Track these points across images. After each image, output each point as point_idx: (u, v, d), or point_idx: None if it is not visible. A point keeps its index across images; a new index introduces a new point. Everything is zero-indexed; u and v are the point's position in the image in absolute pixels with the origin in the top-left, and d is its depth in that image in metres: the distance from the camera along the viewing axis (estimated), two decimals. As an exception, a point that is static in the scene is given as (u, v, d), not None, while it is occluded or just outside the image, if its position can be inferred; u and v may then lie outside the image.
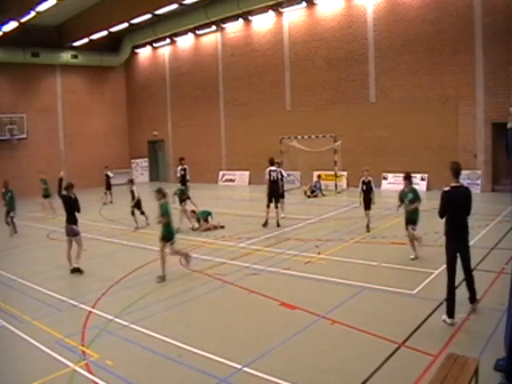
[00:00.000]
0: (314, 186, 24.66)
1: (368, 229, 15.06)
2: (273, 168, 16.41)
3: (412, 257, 11.91)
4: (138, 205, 18.66)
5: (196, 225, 17.29)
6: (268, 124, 29.86)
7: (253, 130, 30.80)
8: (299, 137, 26.46)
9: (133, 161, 38.44)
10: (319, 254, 12.91)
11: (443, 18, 22.82)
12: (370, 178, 15.01)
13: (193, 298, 10.15)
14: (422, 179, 23.83)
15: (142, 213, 18.68)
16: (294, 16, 28.35)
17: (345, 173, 25.72)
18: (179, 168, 18.94)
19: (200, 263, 12.79)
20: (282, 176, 17.37)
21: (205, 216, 17.24)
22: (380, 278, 10.56)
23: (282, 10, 28.58)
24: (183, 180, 18.72)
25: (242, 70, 31.32)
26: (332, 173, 25.68)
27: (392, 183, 24.70)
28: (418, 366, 6.80)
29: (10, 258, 14.90)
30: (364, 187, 15.04)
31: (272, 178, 16.37)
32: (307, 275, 11.13)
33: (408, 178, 12.29)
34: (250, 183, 31.12)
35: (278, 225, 16.07)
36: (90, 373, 7.26)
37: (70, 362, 7.59)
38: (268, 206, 16.45)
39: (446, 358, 6.02)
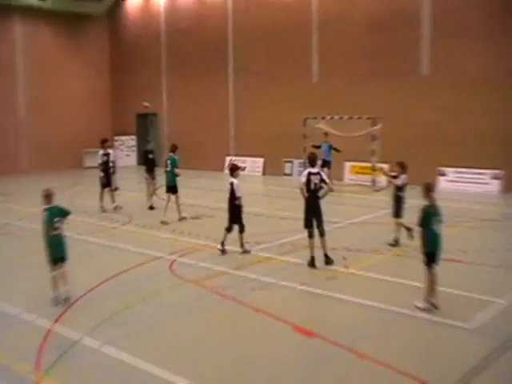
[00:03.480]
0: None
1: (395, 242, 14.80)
2: (313, 170, 13.33)
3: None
4: None
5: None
6: (289, 99, 29.70)
7: (269, 107, 30.65)
8: (328, 117, 26.24)
9: (117, 138, 38.47)
10: (347, 267, 12.78)
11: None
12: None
13: (184, 316, 10.05)
14: (495, 178, 23.49)
15: None
16: (328, -38, 28.17)
17: (385, 165, 25.48)
18: (101, 153, 20.81)
19: (195, 271, 12.76)
20: (323, 180, 13.56)
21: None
22: (425, 303, 10.36)
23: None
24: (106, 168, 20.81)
25: (258, 30, 31.13)
26: (369, 165, 25.45)
27: (453, 181, 24.36)
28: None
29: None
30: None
31: (313, 185, 13.35)
32: (330, 294, 11.00)
33: None
34: (264, 173, 30.98)
35: (328, 262, 13.32)
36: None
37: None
38: (310, 236, 13.31)
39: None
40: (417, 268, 12.51)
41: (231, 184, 14.25)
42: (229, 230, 14.43)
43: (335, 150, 25.06)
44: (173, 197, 18.78)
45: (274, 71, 30.54)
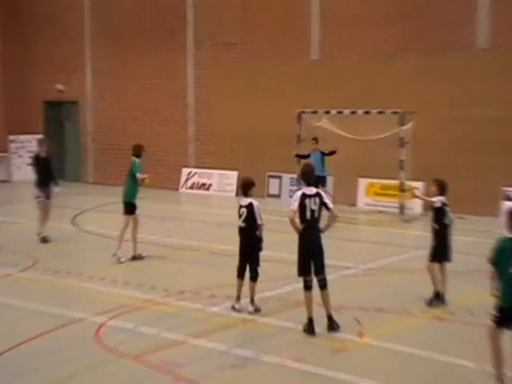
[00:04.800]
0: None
1: (441, 299, 14.82)
2: (309, 191, 13.22)
3: None
4: None
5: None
6: (276, 85, 29.84)
7: (247, 95, 30.78)
8: (333, 111, 26.37)
9: (12, 138, 38.11)
10: (362, 335, 12.73)
11: None
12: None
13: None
14: None
15: None
16: None
17: (420, 184, 25.56)
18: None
19: (134, 340, 12.66)
20: (325, 205, 13.31)
21: None
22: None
23: None
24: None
25: (233, -19, 31.43)
26: (395, 183, 25.53)
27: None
28: None
29: None
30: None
31: (309, 212, 13.16)
32: (336, 375, 10.90)
33: None
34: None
35: (332, 327, 13.22)
36: None
37: None
38: (307, 287, 13.25)
39: None
40: (472, 340, 12.53)
41: (249, 206, 14.06)
42: (241, 274, 14.39)
43: (329, 154, 25.33)
44: (131, 221, 19.11)
45: (254, 43, 30.73)
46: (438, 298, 14.60)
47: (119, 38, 35.23)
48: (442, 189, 14.68)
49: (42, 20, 38.36)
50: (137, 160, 19.05)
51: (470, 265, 17.46)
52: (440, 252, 14.74)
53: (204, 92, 32.51)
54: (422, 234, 22.90)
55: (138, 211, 19.32)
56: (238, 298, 14.32)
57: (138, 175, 18.76)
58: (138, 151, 19.25)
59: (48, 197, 21.45)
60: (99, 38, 36.20)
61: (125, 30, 34.96)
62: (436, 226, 14.78)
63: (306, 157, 25.03)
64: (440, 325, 13.68)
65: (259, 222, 14.03)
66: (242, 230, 14.20)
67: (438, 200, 14.62)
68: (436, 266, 14.77)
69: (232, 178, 31.30)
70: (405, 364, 11.58)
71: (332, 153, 25.03)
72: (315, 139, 25.54)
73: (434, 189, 14.81)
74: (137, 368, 11.42)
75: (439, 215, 14.74)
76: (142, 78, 34.43)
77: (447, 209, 14.74)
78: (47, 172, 21.66)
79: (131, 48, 34.75)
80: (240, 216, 14.12)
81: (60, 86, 37.50)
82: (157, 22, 33.78)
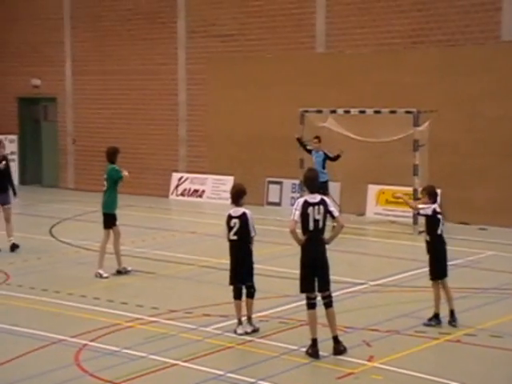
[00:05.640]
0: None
1: (451, 319, 14.82)
2: (312, 198, 13.13)
3: None
4: None
5: None
6: (277, 81, 29.85)
7: (245, 93, 30.77)
8: (340, 110, 26.40)
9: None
10: (371, 359, 12.67)
11: None
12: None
13: None
14: None
15: None
16: None
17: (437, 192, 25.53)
18: None
19: (118, 364, 12.57)
20: (330, 213, 13.33)
21: None
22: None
23: None
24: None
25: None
26: (408, 190, 25.50)
27: None
28: None
29: None
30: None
31: (313, 223, 13.14)
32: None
33: None
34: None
35: (339, 349, 14.13)
36: None
37: None
38: (311, 305, 13.26)
39: None
40: (496, 366, 12.53)
41: (243, 216, 13.98)
42: (239, 295, 14.29)
43: (334, 159, 25.32)
44: (111, 234, 19.13)
45: (253, 34, 30.75)
46: (437, 319, 14.60)
47: (102, 26, 35.22)
48: (432, 196, 14.80)
49: (14, 5, 38.37)
50: (115, 166, 19.06)
51: (494, 282, 17.48)
52: (437, 268, 14.75)
53: (197, 89, 32.49)
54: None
55: (118, 222, 19.36)
56: (240, 322, 14.20)
57: (125, 173, 18.87)
58: (114, 157, 19.25)
59: (4, 203, 21.52)
60: (79, 29, 36.17)
61: (109, 18, 34.96)
62: (427, 238, 14.90)
63: (308, 151, 25.23)
64: (460, 348, 13.60)
65: (253, 233, 14.05)
66: (233, 244, 14.17)
67: (428, 207, 14.65)
68: (439, 283, 14.81)
69: (228, 183, 31.15)
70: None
71: (337, 157, 24.97)
72: (317, 138, 25.52)
73: (425, 199, 14.86)
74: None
75: (431, 225, 14.78)
76: (128, 72, 34.40)
77: (441, 218, 14.78)
78: (4, 177, 21.78)
79: (116, 38, 34.75)
80: (231, 228, 14.05)
81: (36, 81, 37.37)
82: (145, 10, 33.78)
